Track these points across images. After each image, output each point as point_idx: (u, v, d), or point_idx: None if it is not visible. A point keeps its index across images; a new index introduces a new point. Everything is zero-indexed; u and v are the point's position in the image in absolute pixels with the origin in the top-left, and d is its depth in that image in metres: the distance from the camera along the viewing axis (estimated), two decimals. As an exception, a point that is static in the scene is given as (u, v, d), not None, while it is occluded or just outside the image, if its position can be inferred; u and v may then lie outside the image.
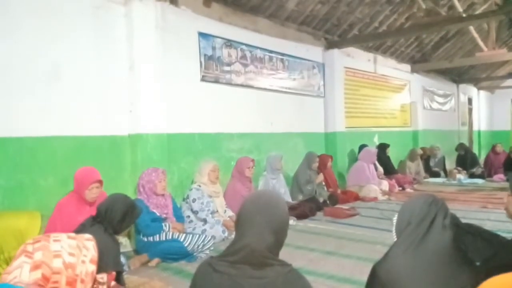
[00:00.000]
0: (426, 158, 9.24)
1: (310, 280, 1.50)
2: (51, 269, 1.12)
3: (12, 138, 3.38)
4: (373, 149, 7.25)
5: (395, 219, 1.71)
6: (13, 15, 3.38)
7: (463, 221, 2.87)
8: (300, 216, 5.10)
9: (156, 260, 3.51)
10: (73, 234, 1.28)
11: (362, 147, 7.39)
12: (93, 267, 1.23)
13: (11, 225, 2.06)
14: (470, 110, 14.02)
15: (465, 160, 9.36)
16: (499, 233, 2.77)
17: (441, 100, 11.69)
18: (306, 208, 5.31)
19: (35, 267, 1.12)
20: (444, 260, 1.53)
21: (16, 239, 2.02)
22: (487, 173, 8.85)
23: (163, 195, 3.92)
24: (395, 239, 1.68)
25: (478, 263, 1.84)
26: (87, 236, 1.33)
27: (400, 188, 7.40)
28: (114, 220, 2.64)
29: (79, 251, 1.21)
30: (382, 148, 7.94)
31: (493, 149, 9.45)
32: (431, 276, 1.51)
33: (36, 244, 1.17)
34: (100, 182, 3.34)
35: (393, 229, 1.72)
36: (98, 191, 3.32)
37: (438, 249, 1.54)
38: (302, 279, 1.46)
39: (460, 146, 9.85)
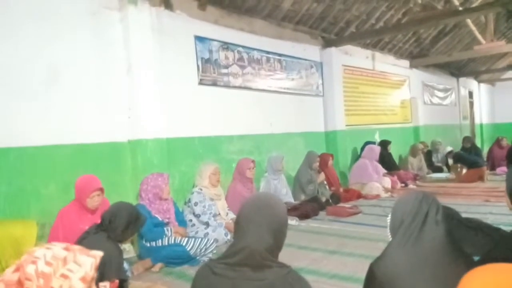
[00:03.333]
0: (427, 153, 9.20)
1: (312, 279, 1.50)
2: (24, 274, 1.09)
3: (13, 148, 3.39)
4: (376, 147, 7.24)
5: (388, 218, 1.72)
6: (10, 21, 3.41)
7: (465, 215, 2.87)
8: (303, 216, 5.09)
9: (159, 265, 3.51)
10: (75, 247, 1.20)
11: (367, 144, 7.39)
12: (81, 286, 1.15)
13: (7, 234, 2.06)
14: (471, 104, 13.98)
15: (470, 153, 9.30)
16: (501, 226, 2.77)
17: (441, 94, 11.66)
18: (308, 208, 5.30)
19: (17, 269, 1.10)
20: (440, 256, 1.54)
21: (13, 248, 2.02)
22: (490, 166, 8.80)
23: (166, 199, 3.93)
24: (390, 239, 1.68)
25: (477, 258, 1.83)
26: (94, 253, 1.22)
27: (403, 185, 7.37)
28: (118, 229, 2.64)
29: (61, 263, 1.14)
30: (384, 145, 7.92)
31: (497, 142, 9.34)
32: (427, 272, 1.51)
33: (35, 247, 1.16)
34: (101, 190, 3.33)
35: (388, 228, 1.72)
36: (99, 198, 3.30)
37: (433, 245, 1.55)
38: (301, 280, 1.46)
39: (467, 139, 9.82)
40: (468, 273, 1.22)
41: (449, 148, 9.07)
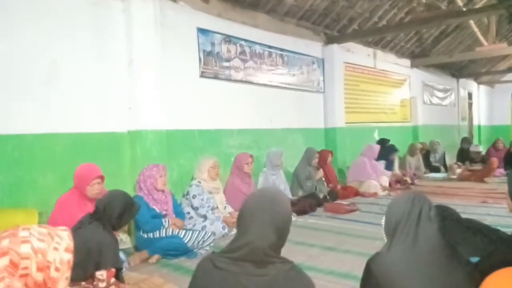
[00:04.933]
0: (425, 153, 9.22)
1: (309, 275, 1.50)
2: (19, 254, 1.10)
3: (11, 135, 3.37)
4: (376, 146, 7.27)
5: (383, 221, 1.74)
6: (11, 13, 3.37)
7: (463, 216, 2.87)
8: (300, 212, 5.10)
9: (156, 257, 3.51)
10: (44, 225, 1.28)
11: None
12: (68, 256, 1.21)
13: (7, 223, 2.05)
14: (470, 105, 14.00)
15: (467, 155, 9.33)
16: (499, 228, 2.77)
17: (441, 95, 11.67)
18: (306, 204, 5.31)
19: (2, 254, 1.10)
20: (435, 254, 1.56)
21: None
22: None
23: (163, 191, 3.92)
24: (386, 240, 1.70)
25: (476, 259, 1.84)
26: (61, 227, 1.33)
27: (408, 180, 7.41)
28: (112, 217, 2.63)
29: (50, 238, 1.19)
30: (383, 143, 7.92)
31: (494, 144, 9.40)
32: (424, 269, 1.54)
33: (3, 233, 1.16)
34: (102, 177, 3.36)
35: (383, 230, 1.74)
36: (99, 187, 3.32)
37: (429, 243, 1.57)
38: (303, 276, 1.45)
39: (465, 140, 9.83)
40: (490, 276, 1.22)
41: (479, 148, 9.17)
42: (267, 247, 1.40)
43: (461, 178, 7.68)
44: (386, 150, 7.54)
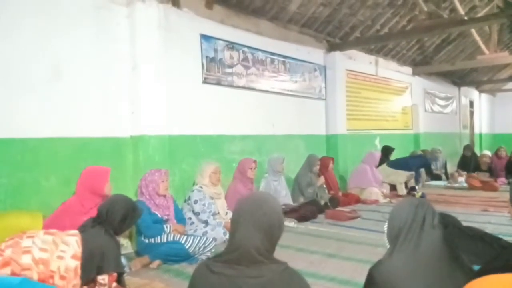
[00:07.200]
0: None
1: (310, 282, 1.52)
2: (20, 265, 1.11)
3: (14, 139, 3.39)
4: (377, 153, 7.29)
5: (385, 227, 1.74)
6: (13, 16, 3.38)
7: (464, 224, 2.88)
8: (301, 219, 5.09)
9: (157, 262, 3.51)
10: (53, 230, 1.25)
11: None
12: (76, 263, 1.21)
13: (13, 225, 2.07)
14: (472, 113, 14.01)
15: (469, 162, 9.31)
16: (500, 236, 2.78)
17: (442, 103, 11.69)
18: (307, 211, 5.31)
19: (4, 264, 1.11)
20: (437, 261, 1.56)
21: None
22: (489, 176, 8.79)
23: (165, 196, 3.93)
24: (388, 246, 1.70)
25: (477, 266, 1.85)
26: (71, 231, 1.31)
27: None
28: (114, 221, 2.65)
29: (53, 247, 1.19)
30: (386, 151, 7.90)
31: (496, 152, 9.39)
32: (427, 277, 1.54)
33: (9, 242, 1.16)
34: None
35: (385, 237, 1.74)
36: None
37: (431, 250, 1.57)
38: (298, 276, 1.48)
39: (467, 147, 9.82)
40: (472, 282, 1.23)
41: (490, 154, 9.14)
42: (253, 249, 1.42)
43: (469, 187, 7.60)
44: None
